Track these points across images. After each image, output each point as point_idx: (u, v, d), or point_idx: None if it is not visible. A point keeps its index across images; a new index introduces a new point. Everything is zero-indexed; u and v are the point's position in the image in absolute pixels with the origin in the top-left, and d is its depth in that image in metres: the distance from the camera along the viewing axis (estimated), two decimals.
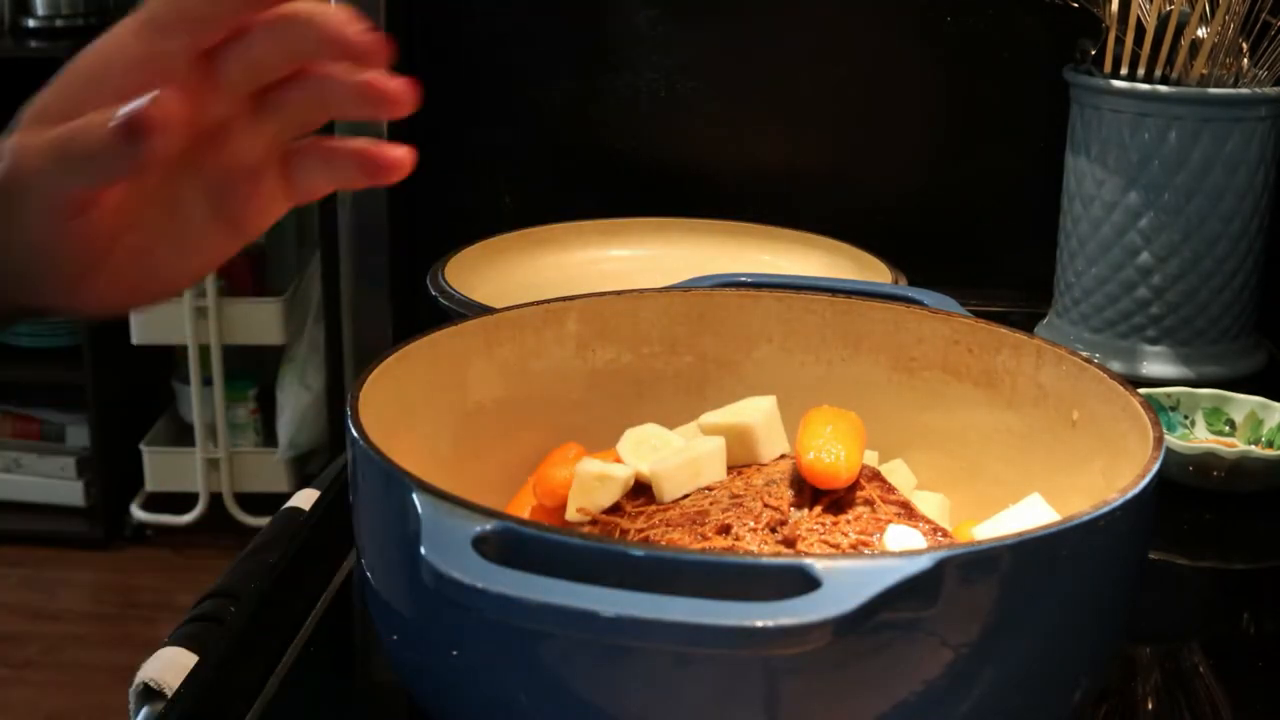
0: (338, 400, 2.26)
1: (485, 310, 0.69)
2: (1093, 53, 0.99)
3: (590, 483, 0.60)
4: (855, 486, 0.59)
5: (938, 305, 0.70)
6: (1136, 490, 0.49)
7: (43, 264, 0.50)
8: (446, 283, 0.93)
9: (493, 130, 1.20)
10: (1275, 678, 0.66)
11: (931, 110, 1.17)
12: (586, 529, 0.59)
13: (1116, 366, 0.99)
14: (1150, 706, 0.62)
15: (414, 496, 0.47)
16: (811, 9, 1.15)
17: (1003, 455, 0.66)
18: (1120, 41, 0.96)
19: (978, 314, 0.69)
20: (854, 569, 0.42)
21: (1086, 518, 0.47)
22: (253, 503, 2.62)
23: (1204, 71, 0.95)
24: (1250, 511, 0.81)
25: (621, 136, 1.19)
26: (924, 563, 0.43)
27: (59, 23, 2.52)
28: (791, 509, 0.57)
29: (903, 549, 0.53)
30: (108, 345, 2.57)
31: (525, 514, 0.63)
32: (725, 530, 0.56)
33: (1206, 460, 0.81)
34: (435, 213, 1.21)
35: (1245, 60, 0.95)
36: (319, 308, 2.48)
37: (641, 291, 0.71)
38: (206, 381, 2.57)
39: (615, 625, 0.40)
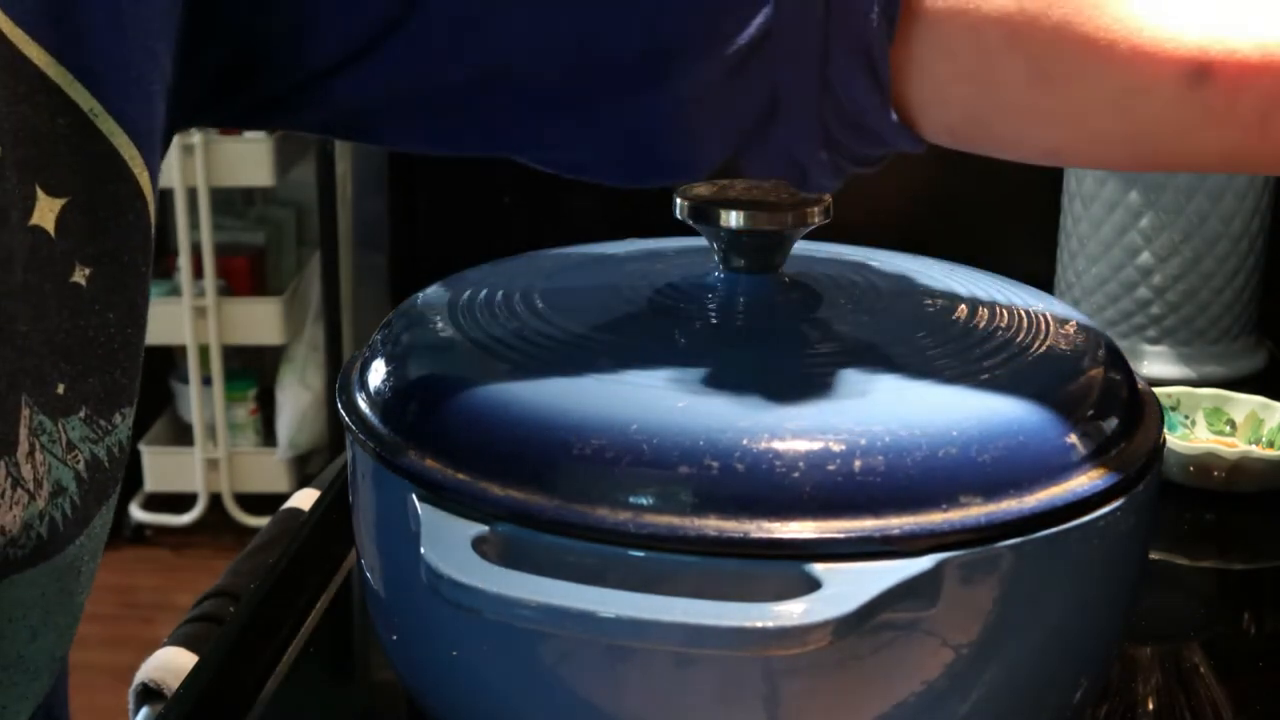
0: None
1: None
2: None
3: None
4: None
5: None
6: (1136, 490, 0.49)
7: None
8: None
9: None
10: (1275, 678, 0.66)
11: None
12: None
13: None
14: (1150, 706, 0.62)
15: (414, 497, 0.47)
16: None
17: None
18: None
19: None
20: (854, 569, 0.42)
21: (1087, 518, 0.47)
22: (252, 503, 2.62)
23: None
24: (1250, 511, 0.81)
25: None
26: (924, 563, 0.43)
27: None
28: None
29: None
30: None
31: None
32: None
33: (1207, 460, 0.81)
34: (435, 212, 1.21)
35: None
36: (319, 308, 2.48)
37: None
38: (206, 381, 2.57)
39: (615, 625, 0.40)
